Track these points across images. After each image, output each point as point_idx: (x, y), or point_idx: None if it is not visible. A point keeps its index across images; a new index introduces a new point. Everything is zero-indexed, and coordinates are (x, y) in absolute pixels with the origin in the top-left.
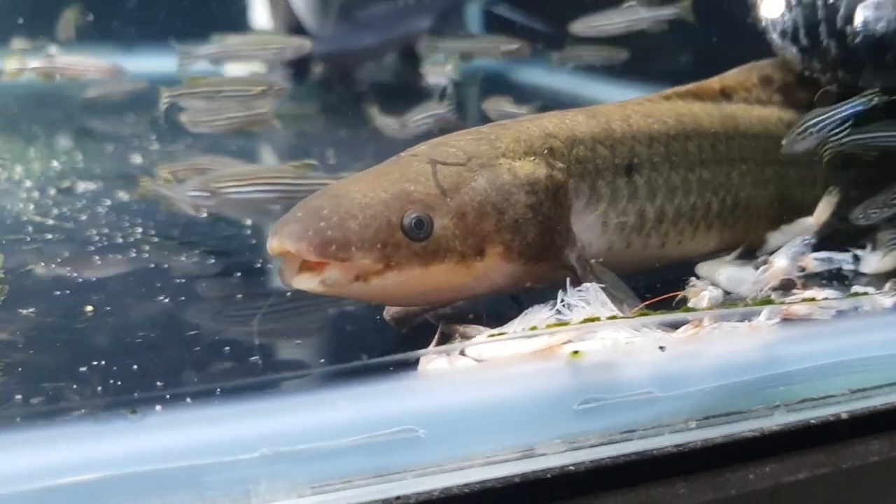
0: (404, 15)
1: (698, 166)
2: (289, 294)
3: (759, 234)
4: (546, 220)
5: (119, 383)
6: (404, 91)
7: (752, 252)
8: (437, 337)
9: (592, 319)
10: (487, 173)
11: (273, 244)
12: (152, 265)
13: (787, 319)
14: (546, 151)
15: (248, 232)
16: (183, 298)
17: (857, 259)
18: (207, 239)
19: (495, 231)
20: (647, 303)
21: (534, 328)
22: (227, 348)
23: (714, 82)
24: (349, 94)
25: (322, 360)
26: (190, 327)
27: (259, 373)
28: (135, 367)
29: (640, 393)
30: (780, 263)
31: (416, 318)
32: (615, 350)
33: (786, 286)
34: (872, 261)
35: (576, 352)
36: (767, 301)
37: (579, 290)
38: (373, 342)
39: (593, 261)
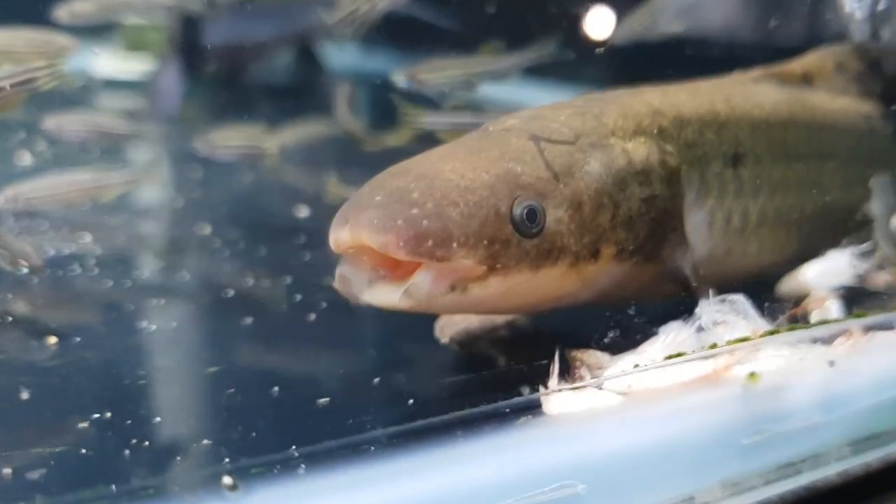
0: (301, 7)
1: (795, 160)
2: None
3: (836, 241)
4: (660, 216)
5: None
6: (302, 93)
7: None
8: (555, 365)
9: (754, 337)
10: (600, 156)
11: (342, 236)
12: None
13: None
14: (656, 132)
15: None
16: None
17: None
18: None
19: (610, 227)
20: (790, 315)
21: (713, 346)
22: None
23: (796, 66)
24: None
25: (410, 402)
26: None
27: (352, 427)
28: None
29: (810, 418)
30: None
31: (479, 340)
32: (789, 370)
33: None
34: None
35: (752, 374)
36: None
37: (721, 303)
38: (445, 371)
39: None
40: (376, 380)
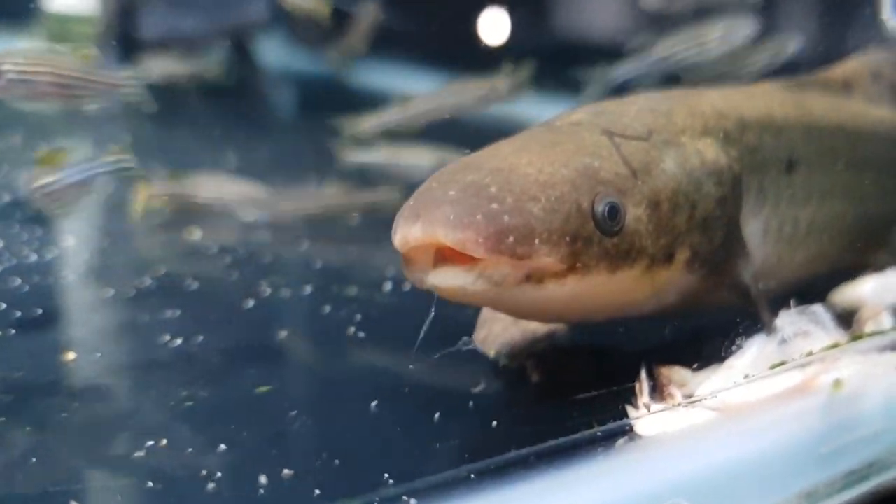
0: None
1: (841, 168)
2: None
3: (872, 252)
4: (730, 221)
5: None
6: (236, 91)
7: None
8: (643, 384)
9: (843, 344)
10: (675, 154)
11: (413, 232)
12: None
13: None
14: (722, 134)
15: None
16: None
17: None
18: None
19: (686, 230)
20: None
21: (809, 353)
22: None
23: (838, 73)
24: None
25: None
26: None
27: (454, 456)
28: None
29: (877, 423)
30: None
31: (524, 352)
32: (866, 376)
33: None
34: None
35: (837, 382)
36: None
37: (800, 314)
38: (521, 392)
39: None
40: (451, 404)
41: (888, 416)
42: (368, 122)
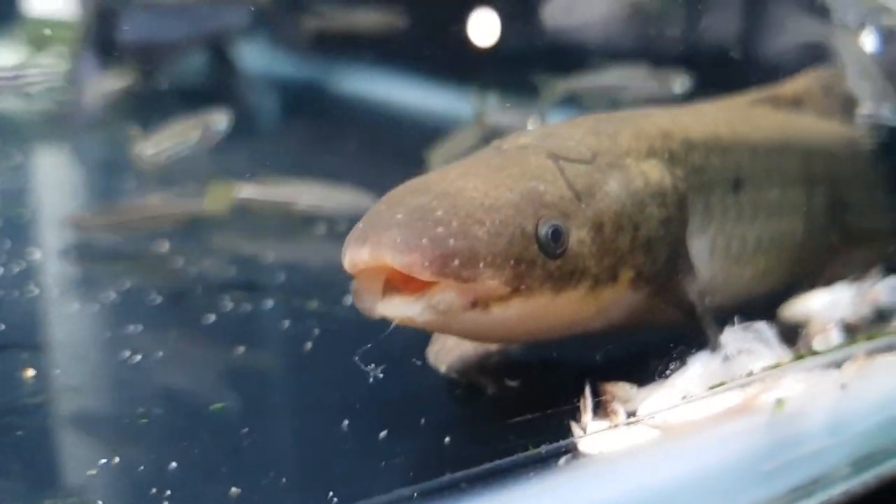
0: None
1: (789, 185)
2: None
3: (822, 267)
4: (675, 240)
5: None
6: (216, 95)
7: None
8: (587, 402)
9: (784, 363)
10: (619, 176)
11: (361, 255)
12: None
13: None
14: (667, 155)
15: None
16: None
17: None
18: None
19: (629, 251)
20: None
21: (749, 374)
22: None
23: (787, 89)
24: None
25: (447, 440)
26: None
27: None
28: None
29: (821, 440)
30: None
31: (475, 368)
32: (807, 395)
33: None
34: None
35: (779, 401)
36: None
37: (742, 331)
38: (465, 407)
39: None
40: (400, 421)
41: (832, 434)
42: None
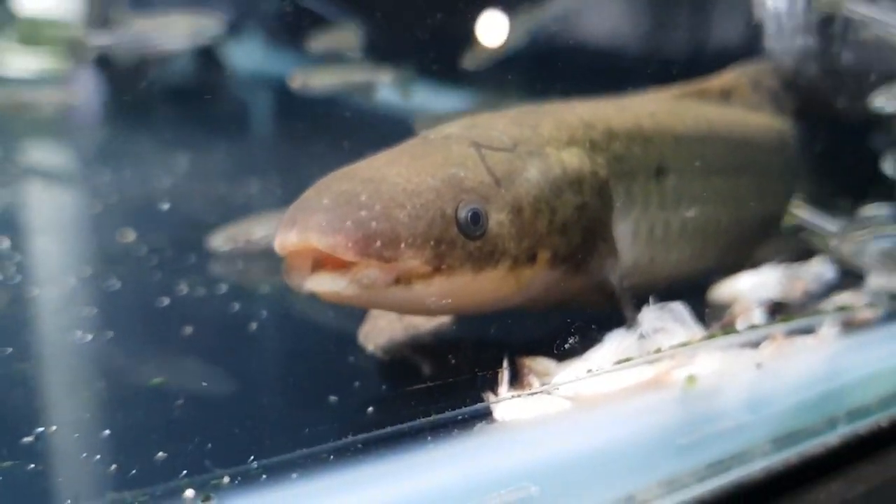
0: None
1: (714, 174)
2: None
3: (749, 252)
4: (591, 225)
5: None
6: (201, 95)
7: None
8: (504, 373)
9: (694, 342)
10: (538, 163)
11: (290, 237)
12: None
13: (849, 327)
14: (588, 144)
15: None
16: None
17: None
18: None
19: (547, 233)
20: (723, 322)
21: (657, 350)
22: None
23: (715, 83)
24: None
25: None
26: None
27: (310, 437)
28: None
29: (738, 418)
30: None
31: (403, 347)
32: (722, 373)
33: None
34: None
35: (691, 378)
36: (841, 308)
37: (660, 310)
38: (390, 381)
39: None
40: (326, 391)
41: (750, 411)
42: None
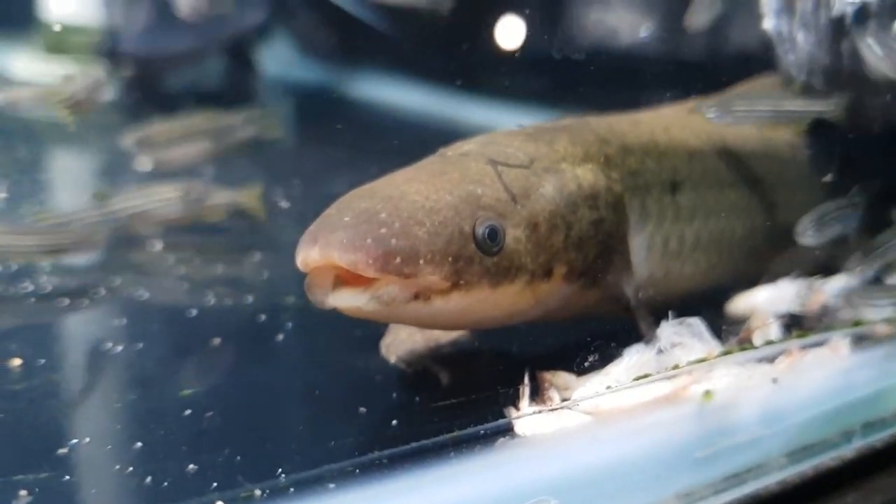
0: (231, 12)
1: (727, 187)
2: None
3: (763, 264)
4: (607, 239)
5: None
6: (233, 95)
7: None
8: (525, 388)
9: (710, 358)
10: (553, 180)
11: (312, 255)
12: None
13: (865, 341)
14: (603, 159)
15: None
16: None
17: None
18: None
19: (563, 248)
20: (739, 337)
21: (675, 367)
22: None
23: (728, 96)
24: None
25: (394, 423)
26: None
27: (336, 452)
28: None
29: (754, 431)
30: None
31: (424, 359)
32: (739, 388)
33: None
34: None
35: (708, 393)
36: (857, 323)
37: (678, 325)
38: (413, 394)
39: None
40: (351, 404)
41: (766, 425)
42: None
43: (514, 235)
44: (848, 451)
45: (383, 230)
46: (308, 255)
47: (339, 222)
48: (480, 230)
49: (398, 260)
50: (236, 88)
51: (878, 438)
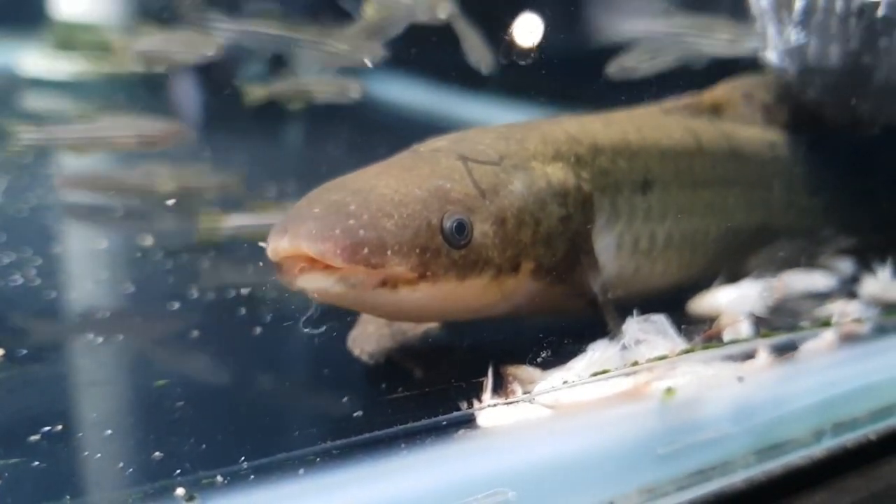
0: None
1: (701, 187)
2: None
3: (739, 263)
4: (575, 237)
5: None
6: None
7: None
8: (488, 381)
9: (672, 355)
10: (522, 176)
11: (282, 245)
12: None
13: (836, 341)
14: (573, 158)
15: None
16: None
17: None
18: None
19: (530, 244)
20: (706, 335)
21: (634, 364)
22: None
23: (705, 98)
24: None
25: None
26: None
27: (298, 440)
28: None
29: (719, 429)
30: (795, 282)
31: (391, 352)
32: (702, 386)
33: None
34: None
35: (669, 389)
36: (826, 323)
37: (643, 322)
38: (378, 386)
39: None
40: (316, 395)
41: (731, 423)
42: None
43: (481, 230)
44: (818, 450)
45: (352, 221)
46: (278, 245)
47: (309, 213)
48: (448, 223)
49: (366, 250)
50: None
51: (849, 438)
